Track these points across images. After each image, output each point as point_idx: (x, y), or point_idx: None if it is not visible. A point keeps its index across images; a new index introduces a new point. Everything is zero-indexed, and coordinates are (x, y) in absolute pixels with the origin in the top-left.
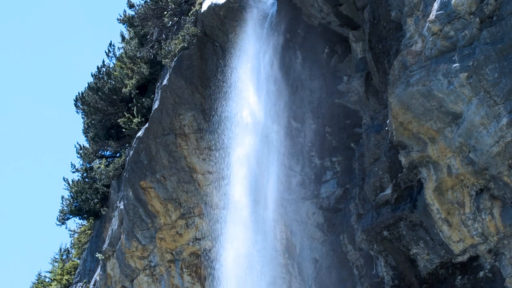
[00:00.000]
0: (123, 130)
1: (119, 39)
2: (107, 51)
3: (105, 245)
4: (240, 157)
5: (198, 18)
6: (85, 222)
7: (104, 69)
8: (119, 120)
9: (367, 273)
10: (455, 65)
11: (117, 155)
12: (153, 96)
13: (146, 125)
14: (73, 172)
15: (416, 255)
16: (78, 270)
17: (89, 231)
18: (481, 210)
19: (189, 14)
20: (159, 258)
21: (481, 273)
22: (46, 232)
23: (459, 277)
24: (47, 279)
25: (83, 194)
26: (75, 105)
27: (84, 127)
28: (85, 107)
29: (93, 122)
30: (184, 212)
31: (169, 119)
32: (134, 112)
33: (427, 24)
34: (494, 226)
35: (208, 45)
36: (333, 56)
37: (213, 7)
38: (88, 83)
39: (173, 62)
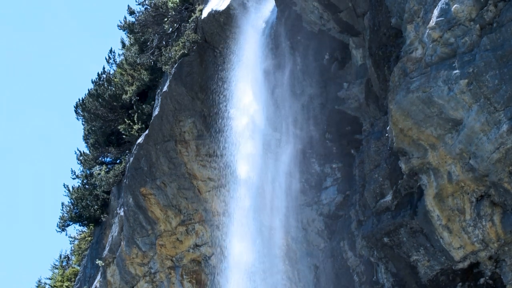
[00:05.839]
0: (124, 136)
1: (120, 46)
2: (107, 57)
3: (105, 252)
4: (240, 164)
5: (199, 24)
6: (85, 229)
7: (104, 75)
8: (119, 127)
9: (367, 280)
10: (455, 71)
11: (117, 161)
12: (153, 102)
13: (146, 131)
14: (74, 179)
15: (416, 261)
16: (78, 277)
17: (89, 238)
18: (482, 216)
19: (189, 20)
20: (159, 265)
21: (482, 280)
22: (46, 238)
23: (460, 283)
24: (47, 286)
25: (83, 201)
26: (76, 111)
27: (85, 133)
28: (85, 113)
29: (93, 128)
30: (184, 218)
31: (169, 126)
32: (135, 119)
33: (427, 31)
34: (495, 233)
35: (208, 51)
36: (333, 63)
37: (213, 14)
38: (88, 90)
39: (173, 69)
